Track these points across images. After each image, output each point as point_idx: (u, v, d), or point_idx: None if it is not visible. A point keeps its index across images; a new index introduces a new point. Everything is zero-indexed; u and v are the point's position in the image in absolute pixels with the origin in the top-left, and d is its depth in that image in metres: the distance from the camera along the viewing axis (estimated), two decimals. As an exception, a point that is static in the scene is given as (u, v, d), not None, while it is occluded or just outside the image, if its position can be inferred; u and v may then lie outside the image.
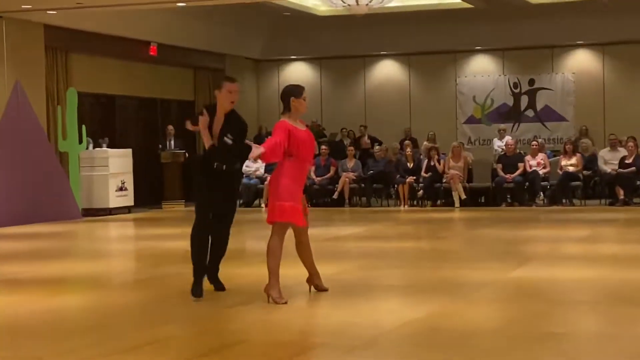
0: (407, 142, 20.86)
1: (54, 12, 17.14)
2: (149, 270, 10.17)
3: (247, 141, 7.85)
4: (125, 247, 13.68)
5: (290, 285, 7.93)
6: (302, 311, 7.45)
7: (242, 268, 9.79)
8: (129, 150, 19.11)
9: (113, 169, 18.41)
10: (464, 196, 18.39)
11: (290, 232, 7.60)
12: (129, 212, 18.72)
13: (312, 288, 7.91)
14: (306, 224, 7.66)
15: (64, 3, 16.46)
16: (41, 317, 7.25)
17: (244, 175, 20.23)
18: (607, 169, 18.45)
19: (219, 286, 8.13)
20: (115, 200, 18.46)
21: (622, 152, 18.60)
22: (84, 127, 17.94)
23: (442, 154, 19.82)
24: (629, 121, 21.57)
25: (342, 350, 5.87)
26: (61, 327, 6.91)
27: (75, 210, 17.18)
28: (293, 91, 7.70)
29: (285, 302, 7.35)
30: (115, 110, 20.89)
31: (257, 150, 7.34)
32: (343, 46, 23.69)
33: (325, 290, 7.90)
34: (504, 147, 20.04)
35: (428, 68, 23.88)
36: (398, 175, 19.22)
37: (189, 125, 8.19)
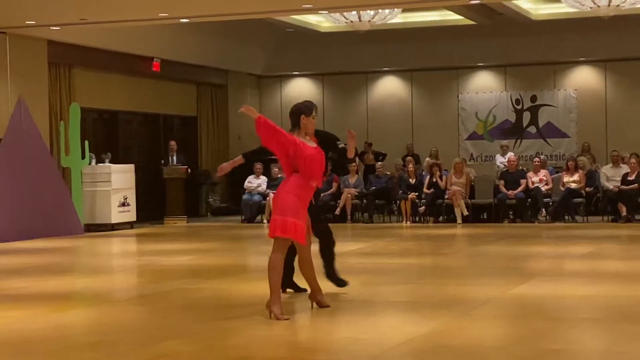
0: (409, 158, 20.88)
1: (58, 28, 17.20)
2: (151, 285, 10.16)
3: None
4: (128, 263, 13.66)
5: (292, 301, 7.92)
6: (305, 327, 7.44)
7: (243, 283, 9.78)
8: (132, 166, 19.14)
9: (115, 185, 18.42)
10: (466, 212, 18.39)
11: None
12: (132, 227, 18.72)
13: (314, 304, 7.90)
14: (308, 243, 7.65)
15: (67, 19, 16.52)
16: (44, 333, 7.24)
17: (245, 191, 20.25)
18: (610, 185, 18.45)
19: (340, 283, 8.64)
20: (118, 215, 18.47)
21: (625, 168, 18.60)
22: (86, 142, 17.97)
23: (445, 170, 19.83)
24: (631, 138, 21.59)
25: (345, 366, 5.85)
26: (65, 343, 6.90)
27: (77, 226, 17.18)
28: (304, 109, 7.68)
29: (287, 319, 7.34)
30: (118, 126, 20.91)
31: (253, 112, 7.33)
32: (345, 62, 23.73)
33: (327, 306, 7.89)
34: (506, 164, 20.04)
35: (430, 84, 23.91)
36: (400, 192, 19.22)
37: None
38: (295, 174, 7.49)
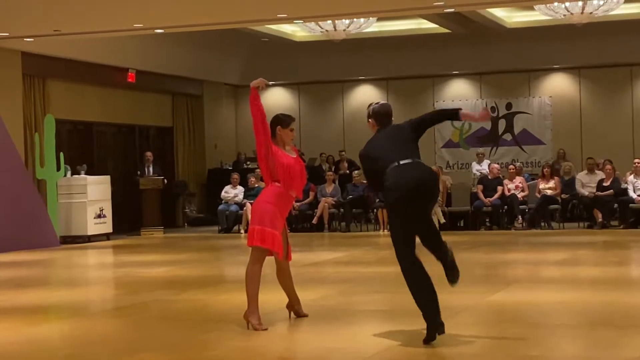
0: (386, 166, 20.86)
1: (31, 40, 17.12)
2: (128, 297, 10.10)
3: None
4: (104, 275, 13.59)
5: (270, 311, 7.90)
6: (282, 337, 7.42)
7: (221, 294, 9.75)
8: (107, 177, 19.06)
9: (91, 196, 18.34)
10: (443, 220, 18.42)
11: (270, 258, 7.58)
12: (108, 239, 18.63)
13: (292, 314, 7.89)
14: (286, 258, 7.62)
15: (41, 30, 16.45)
16: (20, 347, 7.18)
17: (222, 201, 20.21)
18: (585, 192, 18.54)
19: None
20: (94, 227, 18.38)
21: (600, 175, 18.70)
22: (61, 154, 17.88)
23: (421, 178, 19.83)
24: (605, 144, 21.73)
25: (323, 376, 5.84)
26: (41, 356, 6.85)
27: (53, 238, 17.08)
28: (281, 121, 7.76)
29: (266, 329, 7.32)
30: (94, 137, 20.83)
31: (260, 82, 7.87)
32: (321, 71, 23.76)
33: (305, 316, 7.88)
34: (482, 171, 20.10)
35: (406, 92, 23.96)
36: (377, 200, 19.24)
37: None
38: (274, 183, 7.48)
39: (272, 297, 8.21)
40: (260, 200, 7.50)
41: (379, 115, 7.20)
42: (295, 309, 7.88)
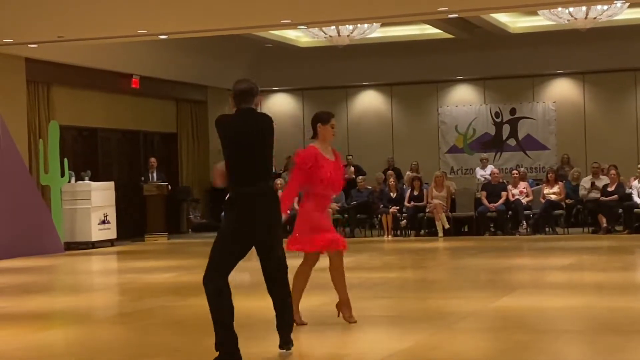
0: (390, 172, 20.89)
1: (36, 46, 17.14)
2: (132, 303, 10.10)
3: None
4: (109, 281, 13.59)
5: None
6: (287, 343, 7.41)
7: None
8: (112, 183, 19.07)
9: (95, 202, 18.34)
10: (447, 226, 18.41)
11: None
12: (112, 245, 18.64)
13: (341, 315, 7.95)
14: (334, 249, 7.74)
15: (45, 36, 16.47)
16: (25, 354, 7.18)
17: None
18: (590, 193, 18.53)
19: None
20: (98, 233, 18.38)
21: (604, 180, 18.68)
22: (66, 160, 17.89)
23: (425, 183, 19.86)
24: (610, 149, 21.70)
25: (328, 382, 5.83)
26: (44, 363, 6.85)
27: (57, 244, 17.09)
28: (320, 118, 7.80)
29: (305, 324, 7.67)
30: (98, 143, 20.84)
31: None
32: (325, 77, 23.76)
33: (354, 322, 7.86)
34: (486, 176, 20.08)
35: (410, 98, 23.96)
36: (382, 206, 19.23)
37: None
38: (313, 187, 7.61)
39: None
40: (304, 211, 7.67)
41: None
42: (343, 310, 7.94)
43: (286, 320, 6.65)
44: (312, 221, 7.63)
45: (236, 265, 6.37)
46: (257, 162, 6.40)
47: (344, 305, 7.94)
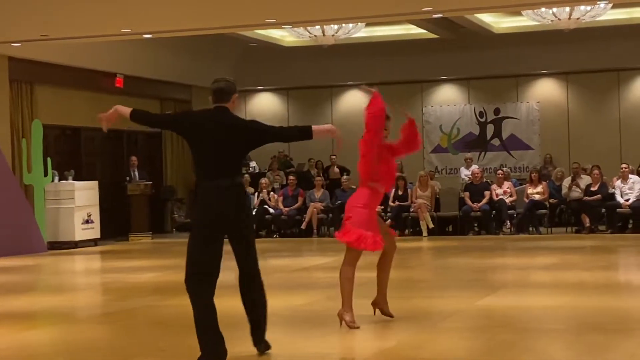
0: (374, 171, 20.85)
1: (19, 45, 17.07)
2: (117, 303, 10.08)
3: None
4: (92, 280, 13.56)
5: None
6: (272, 343, 7.39)
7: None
8: (95, 183, 19.01)
9: (79, 202, 18.28)
10: (431, 225, 18.43)
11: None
12: (96, 244, 18.58)
13: (377, 311, 8.02)
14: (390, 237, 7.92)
15: (28, 35, 16.39)
16: (8, 353, 7.15)
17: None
18: (573, 193, 18.60)
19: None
20: (82, 233, 18.32)
21: (586, 179, 18.75)
22: (49, 159, 17.83)
23: (410, 183, 19.88)
24: (593, 149, 21.79)
25: (313, 381, 5.83)
26: (28, 363, 6.83)
27: (40, 244, 17.02)
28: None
29: (358, 327, 7.53)
30: (81, 143, 20.77)
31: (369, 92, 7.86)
32: (310, 76, 23.76)
33: (391, 316, 7.96)
34: (470, 176, 20.13)
35: (394, 98, 23.80)
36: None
37: None
38: (369, 184, 7.69)
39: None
40: (356, 205, 7.71)
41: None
42: (380, 306, 8.01)
43: (257, 320, 6.63)
44: (370, 220, 7.66)
45: (217, 262, 6.31)
46: (219, 158, 6.33)
47: (383, 301, 8.06)
